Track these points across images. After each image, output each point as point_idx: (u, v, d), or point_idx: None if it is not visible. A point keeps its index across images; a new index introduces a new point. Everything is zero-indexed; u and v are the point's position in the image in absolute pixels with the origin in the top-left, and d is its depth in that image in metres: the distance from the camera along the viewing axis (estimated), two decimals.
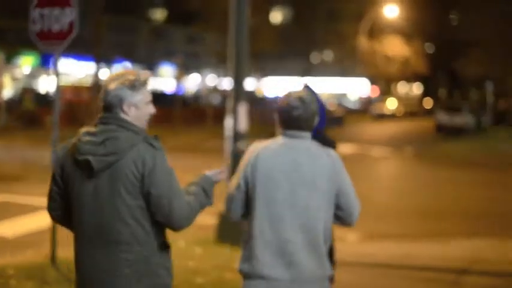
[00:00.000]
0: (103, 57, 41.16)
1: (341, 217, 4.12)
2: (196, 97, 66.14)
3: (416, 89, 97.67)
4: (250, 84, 49.66)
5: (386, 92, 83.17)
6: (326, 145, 4.26)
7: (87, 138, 3.67)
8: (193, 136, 36.19)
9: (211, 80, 78.19)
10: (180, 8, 60.17)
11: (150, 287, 3.73)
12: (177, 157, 26.61)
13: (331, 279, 4.21)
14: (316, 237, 4.00)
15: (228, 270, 8.25)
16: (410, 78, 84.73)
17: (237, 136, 9.65)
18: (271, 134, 4.47)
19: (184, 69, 52.85)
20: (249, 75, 47.18)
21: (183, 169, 22.58)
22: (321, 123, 4.43)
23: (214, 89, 66.71)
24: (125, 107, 3.73)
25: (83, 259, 3.77)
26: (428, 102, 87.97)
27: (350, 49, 70.78)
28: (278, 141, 4.13)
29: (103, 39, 40.56)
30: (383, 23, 69.72)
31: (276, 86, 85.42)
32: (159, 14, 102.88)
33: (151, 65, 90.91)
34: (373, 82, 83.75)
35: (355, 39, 67.69)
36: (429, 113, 72.64)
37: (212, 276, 8.11)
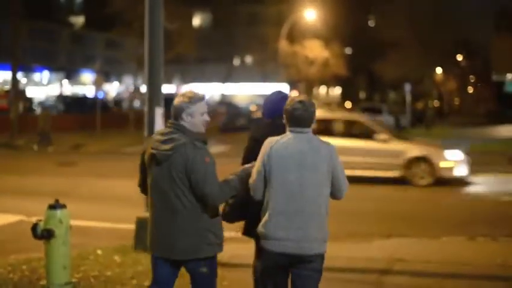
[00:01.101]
0: (22, 64, 40.43)
1: (333, 192, 5.41)
2: (118, 102, 65.48)
3: (337, 92, 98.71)
4: (172, 88, 49.29)
5: (307, 96, 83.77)
6: (280, 130, 5.54)
7: (158, 137, 5.33)
8: (115, 141, 35.82)
9: (132, 84, 77.49)
10: (99, 13, 59.47)
11: (197, 241, 5.27)
12: (100, 162, 26.48)
13: None
14: (319, 208, 5.30)
15: (148, 279, 8.10)
16: (330, 82, 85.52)
17: None
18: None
19: (104, 74, 52.36)
20: (170, 80, 47.23)
21: (106, 174, 22.33)
22: (271, 114, 6.12)
23: (136, 94, 66.08)
24: (184, 116, 5.31)
25: (151, 220, 5.42)
26: (348, 105, 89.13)
27: (271, 53, 71.00)
28: (287, 135, 5.39)
29: (22, 46, 39.87)
30: (303, 27, 70.13)
31: (198, 90, 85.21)
32: (78, 20, 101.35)
33: (71, 72, 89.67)
34: (293, 86, 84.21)
35: (277, 43, 67.97)
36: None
37: (131, 284, 7.96)
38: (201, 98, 5.39)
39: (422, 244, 11.17)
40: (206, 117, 5.39)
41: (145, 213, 9.62)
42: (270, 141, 5.39)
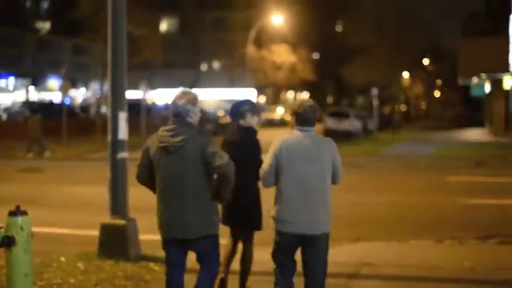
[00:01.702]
0: None
1: (332, 180, 6.43)
2: (85, 108, 65.02)
3: (304, 96, 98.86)
4: (139, 94, 49.02)
5: (275, 101, 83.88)
6: (251, 133, 7.26)
7: (165, 133, 6.25)
8: (82, 147, 35.53)
9: (99, 90, 77.04)
10: (66, 18, 59.06)
11: (206, 221, 6.21)
12: (66, 168, 26.24)
13: None
14: (324, 195, 6.32)
15: (111, 286, 7.98)
16: (297, 87, 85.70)
17: (117, 145, 9.40)
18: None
19: (71, 80, 51.96)
20: (137, 85, 46.96)
21: (72, 180, 22.06)
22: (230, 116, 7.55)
23: (102, 100, 65.74)
24: (190, 115, 6.33)
25: (161, 206, 6.29)
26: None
27: (239, 58, 70.97)
28: (295, 133, 6.41)
29: None
30: (270, 32, 70.26)
31: (165, 96, 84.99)
32: (44, 25, 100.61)
33: (37, 78, 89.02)
34: (260, 92, 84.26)
35: (244, 48, 67.96)
36: (318, 119, 73.64)
37: None
38: (199, 100, 6.49)
39: (391, 248, 11.14)
40: (199, 115, 6.50)
41: (110, 220, 9.48)
42: (280, 139, 6.41)
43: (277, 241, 6.42)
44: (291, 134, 6.42)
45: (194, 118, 6.37)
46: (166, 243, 6.36)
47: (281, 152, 6.29)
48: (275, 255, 6.51)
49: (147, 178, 6.48)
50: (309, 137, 6.36)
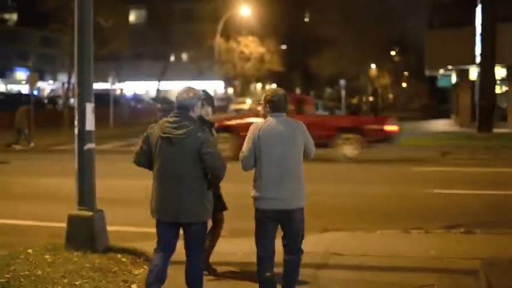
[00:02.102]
0: None
1: (305, 156, 7.12)
2: (53, 100, 64.48)
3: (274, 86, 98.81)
4: (107, 85, 48.75)
5: (243, 93, 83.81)
6: (206, 124, 7.24)
7: (167, 124, 6.73)
8: (49, 139, 35.28)
9: (67, 82, 76.51)
10: (34, 10, 58.49)
11: (199, 208, 6.75)
12: (33, 160, 26.04)
13: None
14: (298, 173, 7.04)
15: (79, 277, 7.97)
16: (266, 78, 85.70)
17: (84, 136, 9.36)
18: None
19: (39, 72, 51.51)
20: (105, 77, 46.71)
21: (39, 172, 21.93)
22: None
23: (70, 92, 65.27)
24: (194, 109, 6.83)
25: (158, 190, 6.80)
26: None
27: (207, 50, 70.75)
28: (270, 119, 7.05)
29: None
30: (238, 23, 70.13)
31: (133, 87, 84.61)
32: (12, 16, 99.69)
33: (4, 69, 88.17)
34: (228, 83, 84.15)
35: (212, 40, 67.76)
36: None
37: (62, 283, 7.80)
38: (201, 95, 7.01)
39: (358, 238, 11.23)
40: (208, 110, 7.53)
41: (77, 211, 9.45)
42: (256, 125, 7.03)
43: (258, 217, 7.07)
44: (266, 121, 7.06)
45: (196, 113, 6.87)
46: (160, 225, 6.91)
47: (259, 137, 6.92)
48: (257, 236, 7.17)
49: (145, 163, 7.00)
50: (283, 121, 7.04)
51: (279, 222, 7.12)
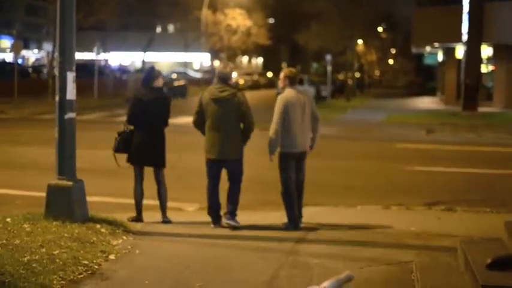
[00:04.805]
0: None
1: (316, 115, 10.06)
2: (37, 68, 63.94)
3: (259, 61, 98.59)
4: (92, 55, 48.45)
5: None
6: (159, 92, 10.12)
7: (214, 90, 9.61)
8: (33, 108, 35.08)
9: (52, 51, 75.97)
10: None
11: (238, 148, 9.72)
12: (16, 129, 25.87)
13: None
14: (310, 126, 9.94)
15: (57, 247, 7.89)
16: (252, 51, 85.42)
17: (65, 105, 9.25)
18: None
19: (23, 40, 51.02)
20: (91, 47, 46.48)
21: (22, 141, 21.80)
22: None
23: (55, 60, 64.73)
24: (231, 79, 9.78)
25: (210, 136, 9.62)
26: (270, 75, 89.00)
27: (194, 21, 70.33)
28: (290, 91, 9.81)
29: None
30: None
31: (119, 58, 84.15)
32: None
33: None
34: (215, 56, 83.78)
35: (199, 12, 67.39)
36: (272, 84, 73.66)
37: (40, 253, 7.72)
38: (234, 69, 10.14)
39: (338, 213, 11.25)
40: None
41: (56, 181, 9.37)
42: (284, 96, 9.75)
43: (286, 157, 9.88)
44: (288, 92, 9.78)
45: (232, 81, 9.92)
46: (211, 162, 9.68)
47: (286, 105, 9.65)
48: (284, 169, 9.91)
49: (201, 123, 9.74)
50: (299, 91, 9.96)
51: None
